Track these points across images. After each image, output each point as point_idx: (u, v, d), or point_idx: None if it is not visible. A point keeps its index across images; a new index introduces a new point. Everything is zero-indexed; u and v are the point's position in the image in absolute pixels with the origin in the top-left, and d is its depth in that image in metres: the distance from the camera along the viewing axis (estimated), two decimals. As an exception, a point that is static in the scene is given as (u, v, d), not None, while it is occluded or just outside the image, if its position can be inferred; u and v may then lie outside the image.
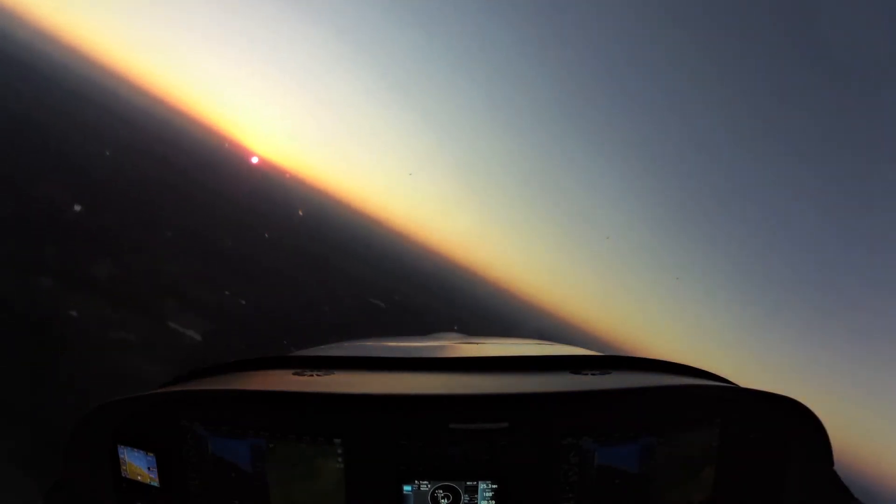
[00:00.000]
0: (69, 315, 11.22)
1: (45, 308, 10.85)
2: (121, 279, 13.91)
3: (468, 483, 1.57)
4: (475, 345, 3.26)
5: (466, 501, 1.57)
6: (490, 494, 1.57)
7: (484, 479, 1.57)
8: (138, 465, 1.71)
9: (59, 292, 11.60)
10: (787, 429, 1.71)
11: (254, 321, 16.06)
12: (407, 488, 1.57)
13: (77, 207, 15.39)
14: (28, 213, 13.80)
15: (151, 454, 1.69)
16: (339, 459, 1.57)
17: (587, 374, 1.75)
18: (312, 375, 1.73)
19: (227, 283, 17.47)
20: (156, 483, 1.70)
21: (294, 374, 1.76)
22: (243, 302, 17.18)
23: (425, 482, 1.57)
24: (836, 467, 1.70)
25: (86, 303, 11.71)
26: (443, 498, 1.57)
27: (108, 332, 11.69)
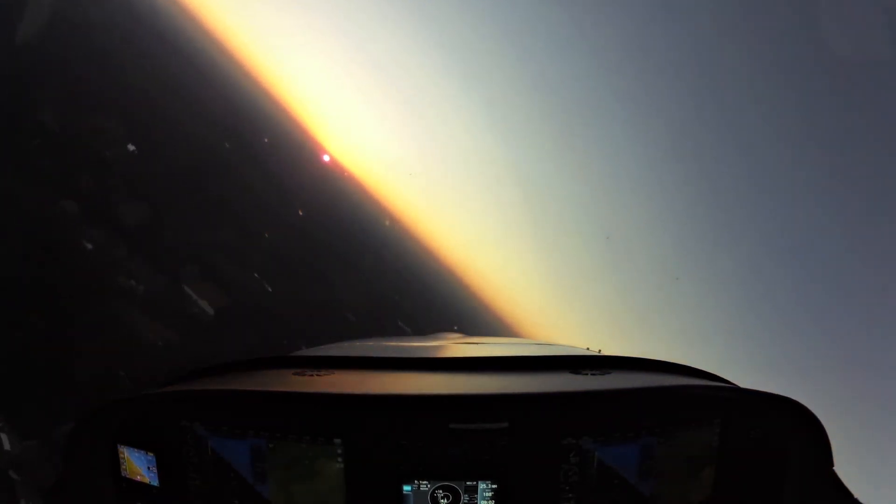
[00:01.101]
0: (83, 245, 11.01)
1: (60, 231, 10.62)
2: (149, 229, 13.44)
3: (468, 483, 1.57)
4: (475, 345, 3.26)
5: (466, 501, 1.57)
6: (490, 494, 1.57)
7: (484, 479, 1.57)
8: (138, 465, 1.71)
9: (80, 220, 11.28)
10: (787, 429, 1.71)
11: (273, 309, 15.66)
12: (407, 488, 1.57)
13: (131, 147, 14.96)
14: (88, 142, 13.32)
15: (151, 454, 1.69)
16: (339, 459, 1.56)
17: (587, 374, 1.75)
18: (312, 375, 1.74)
19: (259, 267, 17.01)
20: (156, 483, 1.70)
21: (294, 374, 1.76)
22: (269, 289, 16.74)
23: (425, 482, 1.57)
24: (835, 467, 1.70)
25: (105, 239, 11.46)
26: (443, 498, 1.57)
27: (118, 277, 11.38)
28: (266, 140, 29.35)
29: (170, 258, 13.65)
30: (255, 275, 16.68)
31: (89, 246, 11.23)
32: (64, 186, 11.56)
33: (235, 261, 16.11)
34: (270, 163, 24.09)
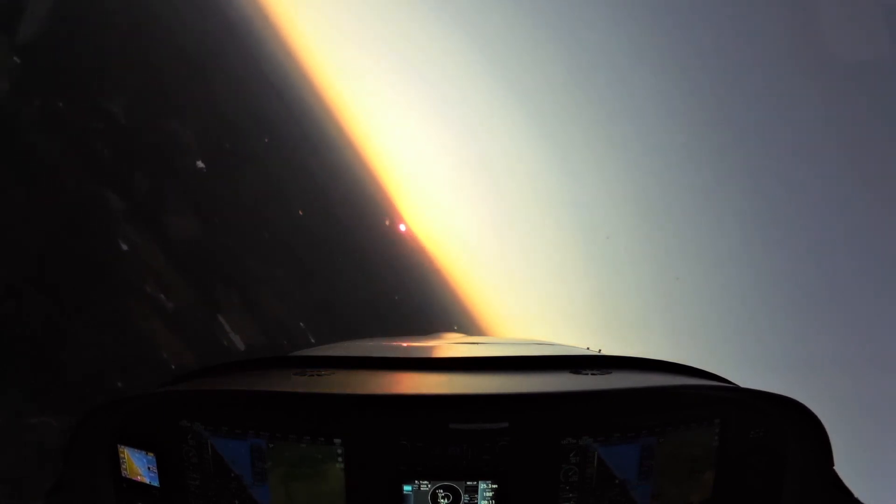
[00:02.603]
0: (118, 243, 10.40)
1: (97, 221, 10.07)
2: (197, 247, 12.78)
3: (468, 483, 1.57)
4: (475, 345, 3.26)
5: (466, 501, 1.57)
6: (490, 494, 1.57)
7: (484, 478, 1.57)
8: (138, 465, 1.71)
9: (122, 217, 10.66)
10: (787, 429, 1.71)
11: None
12: (407, 488, 1.57)
13: (200, 164, 14.41)
14: (154, 143, 12.79)
15: (151, 454, 1.69)
16: (340, 459, 1.56)
17: (587, 374, 1.75)
18: (313, 375, 1.74)
19: (307, 316, 16.43)
20: (156, 483, 1.70)
21: (295, 373, 1.76)
22: (313, 340, 15.81)
23: (425, 482, 1.57)
24: (835, 467, 1.70)
25: (143, 244, 10.89)
26: (443, 498, 1.57)
27: (146, 285, 10.79)
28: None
29: (211, 283, 13.09)
30: (301, 324, 16.04)
31: (124, 246, 10.62)
32: (114, 179, 11.08)
33: (283, 302, 15.63)
34: (343, 217, 23.89)
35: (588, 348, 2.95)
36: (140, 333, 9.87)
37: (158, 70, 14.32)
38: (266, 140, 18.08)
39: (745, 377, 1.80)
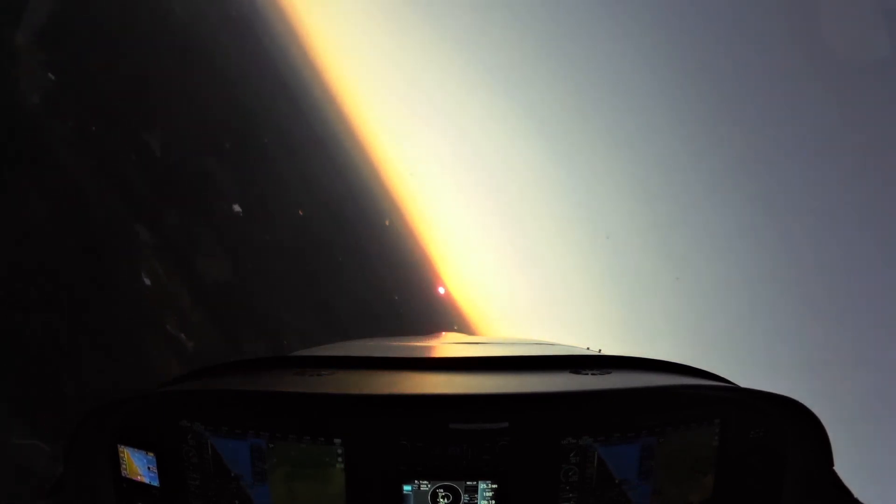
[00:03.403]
0: (141, 278, 9.96)
1: (123, 252, 9.65)
2: (225, 291, 12.28)
3: (468, 483, 1.57)
4: (475, 345, 3.26)
5: (466, 501, 1.57)
6: (490, 494, 1.57)
7: (484, 478, 1.57)
8: (138, 465, 1.71)
9: (148, 252, 10.15)
10: (787, 429, 1.71)
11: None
12: (407, 488, 1.57)
13: (237, 208, 14.09)
14: (189, 181, 12.41)
15: (151, 454, 1.69)
16: (340, 459, 1.56)
17: (587, 374, 1.75)
18: (313, 375, 1.73)
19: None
20: (156, 483, 1.70)
21: (295, 374, 1.76)
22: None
23: (425, 482, 1.57)
24: (835, 467, 1.70)
25: (167, 281, 10.49)
26: (443, 498, 1.57)
27: (167, 323, 10.33)
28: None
29: (237, 329, 12.70)
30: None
31: (147, 281, 10.17)
32: (144, 210, 10.71)
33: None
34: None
35: (588, 348, 2.94)
36: (152, 367, 9.61)
37: (200, 107, 14.13)
38: (266, 140, 18.03)
39: (745, 377, 1.80)
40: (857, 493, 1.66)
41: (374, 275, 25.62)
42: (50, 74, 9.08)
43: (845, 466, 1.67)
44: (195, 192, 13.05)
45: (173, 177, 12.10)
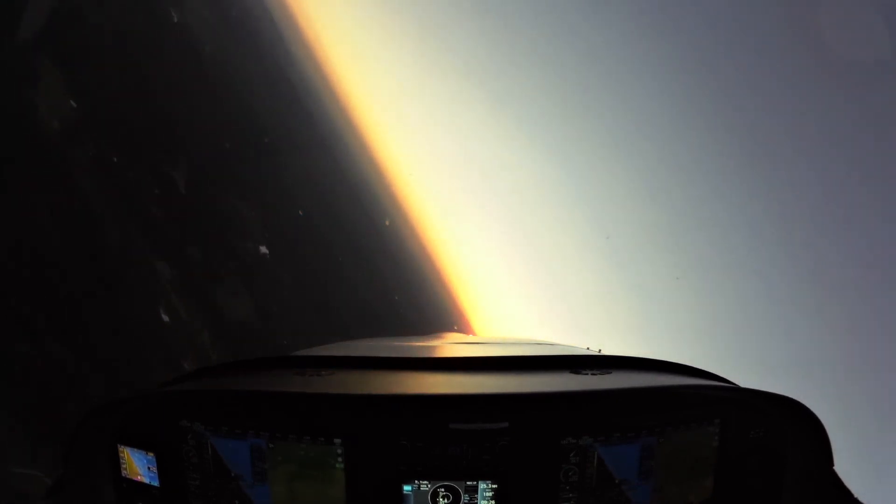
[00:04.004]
0: (159, 314, 9.65)
1: (142, 287, 9.27)
2: (250, 330, 12.02)
3: (468, 483, 1.57)
4: (475, 345, 3.26)
5: (466, 501, 1.57)
6: (490, 494, 1.57)
7: (484, 478, 1.57)
8: (138, 465, 1.71)
9: (168, 287, 9.80)
10: (787, 429, 1.71)
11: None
12: (407, 488, 1.57)
13: (263, 249, 13.87)
14: (213, 219, 12.16)
15: (151, 454, 1.69)
16: (340, 459, 1.56)
17: (587, 374, 1.75)
18: (313, 375, 1.73)
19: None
20: (156, 483, 1.70)
21: (295, 374, 1.76)
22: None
23: (425, 482, 1.57)
24: (835, 467, 1.70)
25: (188, 318, 10.18)
26: (443, 498, 1.57)
27: (184, 361, 10.05)
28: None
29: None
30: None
31: (165, 317, 9.86)
32: (164, 245, 10.38)
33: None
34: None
35: (588, 348, 2.95)
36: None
37: (226, 146, 13.92)
38: (266, 140, 18.03)
39: (745, 377, 1.80)
40: (857, 493, 1.66)
41: (374, 275, 25.61)
42: (72, 101, 8.89)
43: (845, 466, 1.67)
44: (220, 231, 12.84)
45: (197, 214, 11.87)
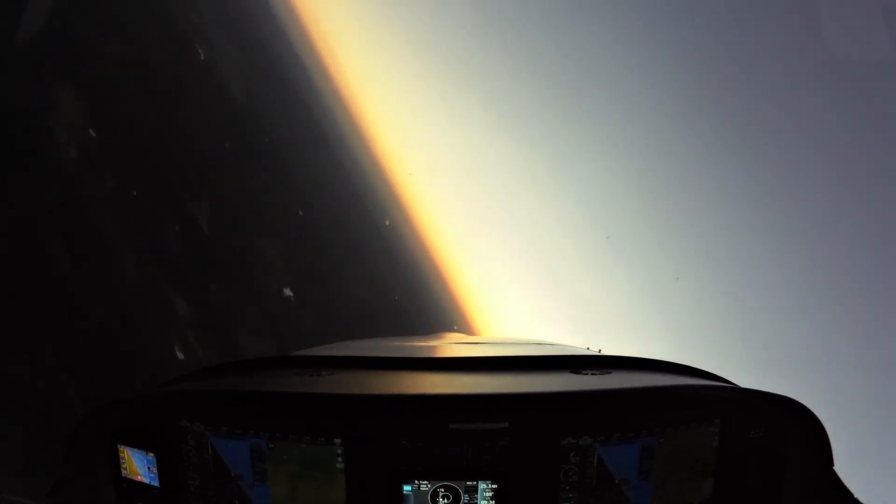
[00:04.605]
0: (174, 352, 9.25)
1: (156, 327, 9.06)
2: None
3: (468, 483, 1.57)
4: (475, 345, 3.26)
5: (466, 501, 1.57)
6: (490, 494, 1.57)
7: (484, 478, 1.57)
8: (138, 465, 1.71)
9: (184, 325, 9.55)
10: (787, 429, 1.71)
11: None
12: (407, 488, 1.57)
13: (288, 292, 13.69)
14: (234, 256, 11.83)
15: (151, 454, 1.69)
16: (340, 459, 1.57)
17: (587, 374, 1.75)
18: (313, 375, 1.74)
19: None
20: (156, 483, 1.70)
21: (295, 374, 1.76)
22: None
23: (425, 482, 1.57)
24: (835, 467, 1.70)
25: (203, 356, 9.77)
26: (443, 498, 1.57)
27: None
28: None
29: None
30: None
31: (180, 355, 9.44)
32: (183, 283, 10.06)
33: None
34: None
35: (588, 348, 2.95)
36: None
37: (252, 184, 13.68)
38: (266, 140, 18.02)
39: (745, 377, 1.80)
40: (857, 493, 1.66)
41: (374, 275, 25.59)
42: (91, 131, 8.69)
43: (845, 466, 1.67)
44: (243, 271, 12.59)
45: (219, 253, 11.61)
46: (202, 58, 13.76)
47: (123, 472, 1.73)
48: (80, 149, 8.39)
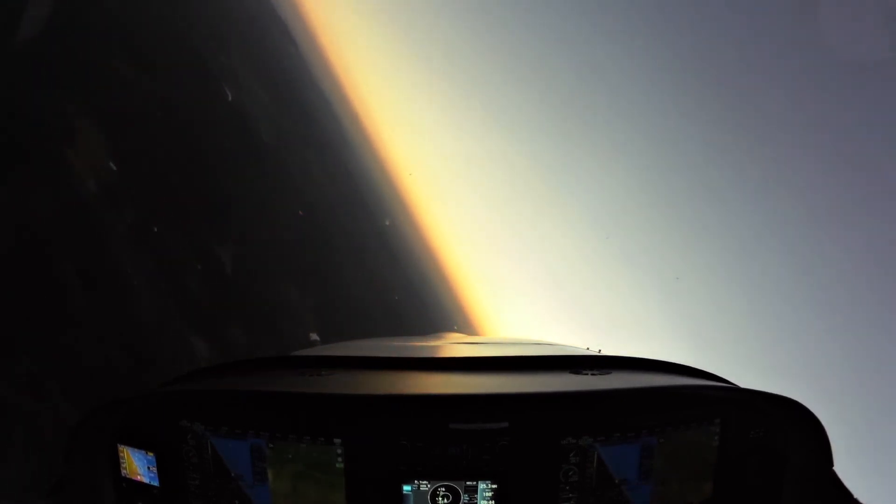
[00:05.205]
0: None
1: (174, 367, 8.51)
2: None
3: (468, 483, 1.57)
4: (475, 345, 3.27)
5: (466, 501, 1.57)
6: (490, 494, 1.57)
7: (484, 478, 1.57)
8: (138, 465, 1.71)
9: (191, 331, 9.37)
10: (787, 429, 1.72)
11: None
12: (407, 488, 1.57)
13: (315, 337, 13.23)
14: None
15: (151, 454, 1.69)
16: (340, 459, 1.57)
17: (587, 374, 1.75)
18: (313, 375, 1.74)
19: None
20: (156, 483, 1.70)
21: (295, 374, 1.77)
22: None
23: (425, 482, 1.57)
24: (835, 467, 1.70)
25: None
26: (442, 498, 1.57)
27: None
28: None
29: None
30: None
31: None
32: (205, 325, 9.83)
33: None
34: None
35: (588, 348, 2.95)
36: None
37: (279, 229, 13.51)
38: (265, 140, 18.01)
39: (745, 377, 1.80)
40: (857, 493, 1.66)
41: (374, 275, 25.58)
42: (112, 164, 8.48)
43: (845, 467, 1.67)
44: (267, 315, 12.36)
45: (243, 296, 11.36)
46: (230, 98, 13.68)
47: (123, 472, 1.73)
48: (99, 182, 8.24)
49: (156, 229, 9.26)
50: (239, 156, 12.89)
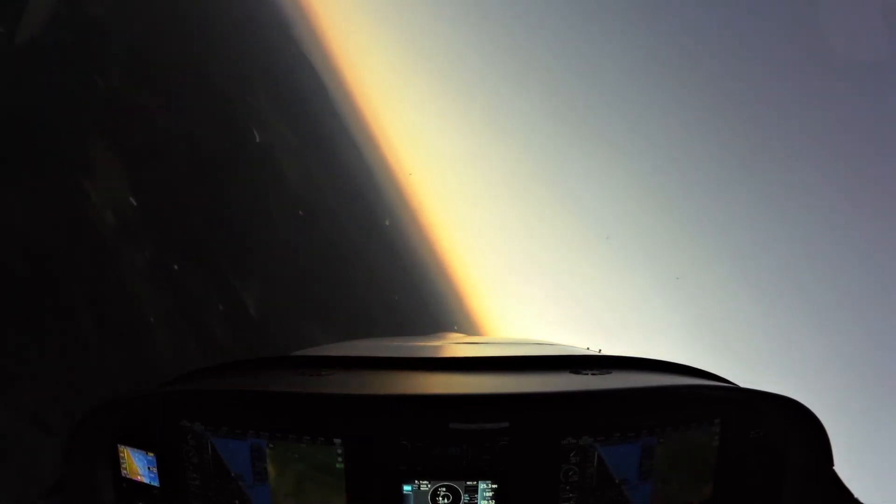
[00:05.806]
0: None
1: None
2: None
3: (468, 483, 1.57)
4: (475, 345, 3.27)
5: (466, 501, 1.57)
6: (490, 494, 1.57)
7: (484, 478, 1.57)
8: (138, 465, 1.71)
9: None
10: (787, 429, 1.71)
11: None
12: (407, 488, 1.57)
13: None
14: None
15: (151, 454, 1.69)
16: (340, 459, 1.57)
17: (587, 374, 1.75)
18: (313, 375, 1.74)
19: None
20: (156, 483, 1.70)
21: (295, 374, 1.76)
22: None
23: (425, 482, 1.57)
24: (835, 467, 1.70)
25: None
26: (443, 498, 1.57)
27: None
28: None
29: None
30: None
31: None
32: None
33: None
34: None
35: (588, 348, 2.95)
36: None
37: (296, 269, 13.28)
38: (258, 140, 17.97)
39: (745, 377, 1.80)
40: (857, 493, 1.66)
41: (374, 275, 25.57)
42: (132, 199, 8.33)
43: (845, 467, 1.67)
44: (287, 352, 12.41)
45: (266, 338, 11.09)
46: (257, 140, 13.48)
47: (123, 472, 1.73)
48: (117, 216, 8.09)
49: (175, 266, 9.05)
50: (266, 198, 12.55)
